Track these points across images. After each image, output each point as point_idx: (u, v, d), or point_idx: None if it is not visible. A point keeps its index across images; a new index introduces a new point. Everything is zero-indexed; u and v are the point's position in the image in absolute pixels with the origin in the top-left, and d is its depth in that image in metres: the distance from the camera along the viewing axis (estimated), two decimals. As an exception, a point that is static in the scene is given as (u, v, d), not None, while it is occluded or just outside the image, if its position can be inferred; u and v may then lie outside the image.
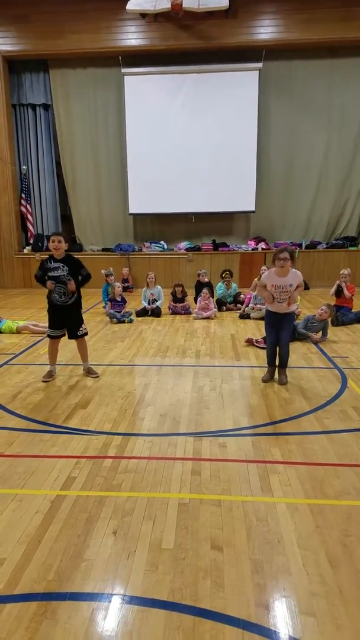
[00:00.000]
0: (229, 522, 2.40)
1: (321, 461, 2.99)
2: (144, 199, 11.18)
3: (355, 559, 2.12)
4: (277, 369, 4.63)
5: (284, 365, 4.56)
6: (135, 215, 11.53)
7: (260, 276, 7.95)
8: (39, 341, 6.28)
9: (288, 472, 2.85)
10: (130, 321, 7.54)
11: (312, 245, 10.99)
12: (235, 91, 10.49)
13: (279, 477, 2.80)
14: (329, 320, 6.29)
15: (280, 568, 2.07)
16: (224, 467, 2.93)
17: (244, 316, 7.66)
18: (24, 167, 11.61)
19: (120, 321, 7.51)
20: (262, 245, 11.09)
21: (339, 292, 7.38)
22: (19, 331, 6.79)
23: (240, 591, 1.96)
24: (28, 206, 11.63)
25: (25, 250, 11.54)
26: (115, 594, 1.96)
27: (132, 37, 10.23)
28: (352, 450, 3.14)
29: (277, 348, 4.55)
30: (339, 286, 7.35)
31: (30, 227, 11.69)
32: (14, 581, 2.06)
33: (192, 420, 3.69)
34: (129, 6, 8.37)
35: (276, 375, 4.62)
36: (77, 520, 2.47)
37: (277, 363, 4.61)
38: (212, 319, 7.71)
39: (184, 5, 7.74)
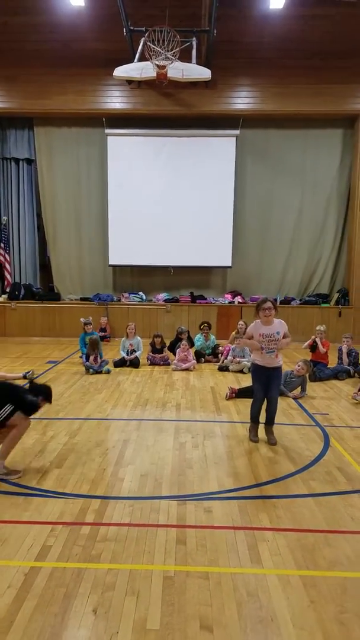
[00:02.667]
0: (218, 598, 2.26)
1: (311, 527, 2.90)
2: (124, 251, 11.37)
3: (354, 638, 2.01)
4: (263, 426, 4.55)
5: (271, 422, 4.49)
6: (115, 266, 11.68)
7: (238, 330, 8.10)
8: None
9: (277, 540, 2.74)
10: (108, 372, 7.41)
11: (287, 301, 11.28)
12: (213, 155, 11.07)
13: (268, 545, 2.69)
14: (307, 375, 6.35)
15: (276, 652, 1.94)
16: (210, 535, 2.80)
17: (223, 368, 7.66)
18: (4, 217, 11.72)
19: (97, 372, 7.38)
20: (238, 298, 11.31)
21: (314, 348, 7.53)
22: None
23: None
24: (7, 255, 11.63)
25: (1, 299, 11.41)
26: None
27: (116, 100, 10.80)
28: (341, 515, 3.06)
29: (264, 404, 4.51)
30: (314, 341, 7.49)
31: (8, 276, 11.64)
32: (-18, 673, 1.85)
33: (174, 482, 3.56)
34: (116, 73, 8.86)
35: (262, 434, 4.54)
36: (54, 596, 2.28)
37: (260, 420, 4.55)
38: (191, 370, 7.67)
39: (168, 75, 8.24)
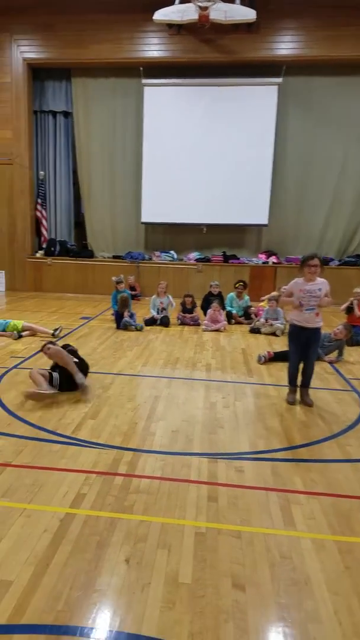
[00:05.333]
0: (250, 557, 2.25)
1: (347, 493, 2.83)
2: (157, 208, 11.14)
3: (390, 607, 1.97)
4: (298, 389, 4.47)
5: (307, 384, 4.41)
6: (147, 224, 11.49)
7: (280, 294, 7.85)
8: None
9: (311, 504, 2.70)
10: (140, 328, 7.41)
11: (325, 262, 10.80)
12: (253, 105, 10.48)
13: (302, 509, 2.65)
14: (344, 340, 6.15)
15: (310, 614, 1.91)
16: (242, 495, 2.78)
17: (255, 330, 7.52)
18: (42, 172, 11.61)
19: (133, 326, 7.40)
20: (273, 259, 10.98)
21: (349, 310, 7.26)
22: (23, 329, 6.68)
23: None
24: (43, 211, 11.62)
25: (38, 255, 11.51)
26: (131, 633, 1.81)
27: (154, 48, 10.26)
28: (378, 482, 2.99)
29: (301, 366, 4.39)
30: (351, 303, 7.22)
31: (44, 232, 11.66)
32: (20, 608, 1.91)
33: (205, 439, 3.55)
34: (156, 16, 8.38)
35: (298, 396, 4.47)
36: (88, 543, 2.33)
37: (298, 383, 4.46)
38: (222, 331, 7.58)
39: (210, 17, 7.71)
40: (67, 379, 4.45)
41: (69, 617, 1.87)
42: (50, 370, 4.53)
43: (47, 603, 1.94)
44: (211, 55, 10.08)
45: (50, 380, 4.43)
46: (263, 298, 8.41)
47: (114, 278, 8.42)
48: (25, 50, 10.56)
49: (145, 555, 2.24)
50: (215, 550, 2.29)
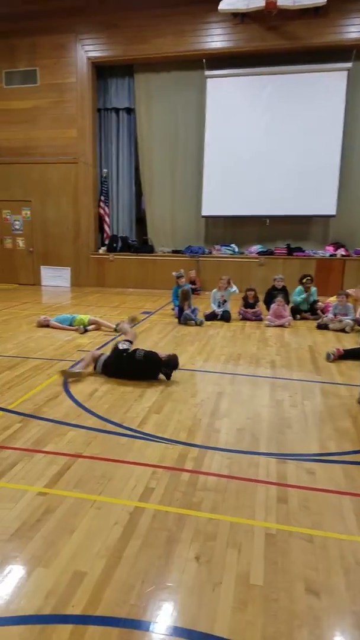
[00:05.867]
0: (324, 562, 2.16)
1: None
2: (218, 201, 11.06)
3: None
4: None
5: None
6: (207, 217, 11.43)
7: None
8: (112, 340, 6.30)
9: (389, 512, 2.55)
10: (200, 323, 7.40)
11: None
12: (321, 92, 10.11)
13: (379, 516, 2.52)
14: None
15: (391, 629, 1.81)
16: (313, 497, 2.69)
17: (322, 326, 7.25)
18: (105, 170, 11.90)
19: (192, 320, 7.38)
20: (341, 251, 10.53)
21: None
22: (89, 324, 6.90)
23: (344, 650, 1.73)
24: (106, 208, 11.92)
25: (101, 251, 11.84)
26: (203, 632, 1.81)
27: (217, 39, 10.16)
28: None
29: None
30: None
31: (107, 229, 11.97)
32: (95, 600, 1.96)
33: (273, 439, 3.47)
34: (221, 6, 8.27)
35: None
36: (157, 538, 2.35)
37: None
38: (286, 327, 7.38)
39: (278, 3, 7.45)
40: (112, 363, 4.74)
41: (142, 612, 1.89)
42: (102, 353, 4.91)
43: (119, 596, 1.98)
44: (277, 43, 9.80)
45: (97, 360, 4.77)
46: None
47: (174, 273, 8.46)
48: (90, 50, 10.84)
49: (215, 554, 2.23)
50: (286, 553, 2.22)
